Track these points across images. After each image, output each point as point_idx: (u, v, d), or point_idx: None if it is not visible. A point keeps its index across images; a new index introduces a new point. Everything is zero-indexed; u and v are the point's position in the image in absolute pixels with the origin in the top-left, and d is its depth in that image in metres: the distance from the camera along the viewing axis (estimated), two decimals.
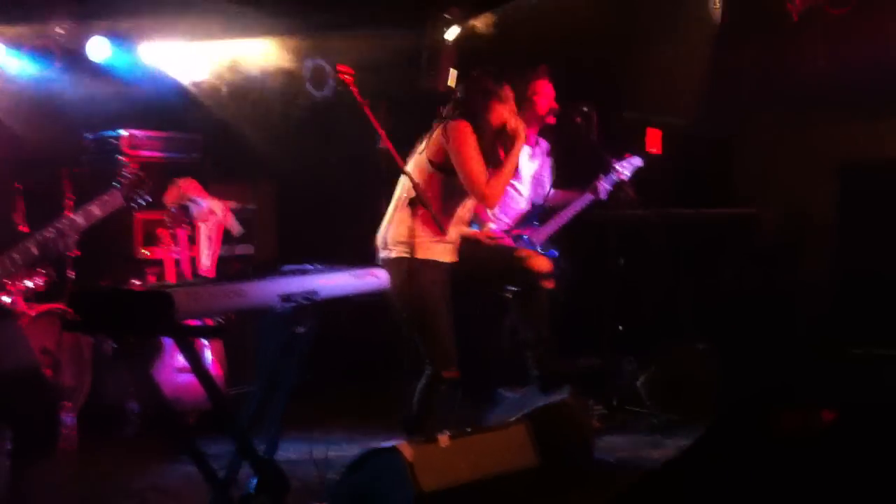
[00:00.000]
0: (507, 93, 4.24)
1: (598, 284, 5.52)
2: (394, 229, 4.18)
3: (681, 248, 5.74)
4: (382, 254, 4.21)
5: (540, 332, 4.68)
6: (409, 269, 4.06)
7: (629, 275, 5.59)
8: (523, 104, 5.08)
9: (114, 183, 3.40)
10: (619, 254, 5.55)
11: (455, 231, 4.27)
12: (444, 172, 4.13)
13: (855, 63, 5.42)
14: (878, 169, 5.60)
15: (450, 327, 4.16)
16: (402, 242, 4.10)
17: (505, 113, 4.21)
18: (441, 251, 4.18)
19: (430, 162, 4.16)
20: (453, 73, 6.03)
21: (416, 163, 4.22)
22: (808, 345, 5.31)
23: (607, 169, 5.16)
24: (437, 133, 4.17)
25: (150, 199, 3.59)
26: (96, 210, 3.28)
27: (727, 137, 5.95)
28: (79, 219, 3.23)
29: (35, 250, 3.13)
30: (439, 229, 3.97)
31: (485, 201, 4.16)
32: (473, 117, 4.13)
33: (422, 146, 4.24)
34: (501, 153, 4.18)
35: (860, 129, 5.60)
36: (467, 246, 4.46)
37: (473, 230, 4.88)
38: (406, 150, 4.30)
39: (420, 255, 4.10)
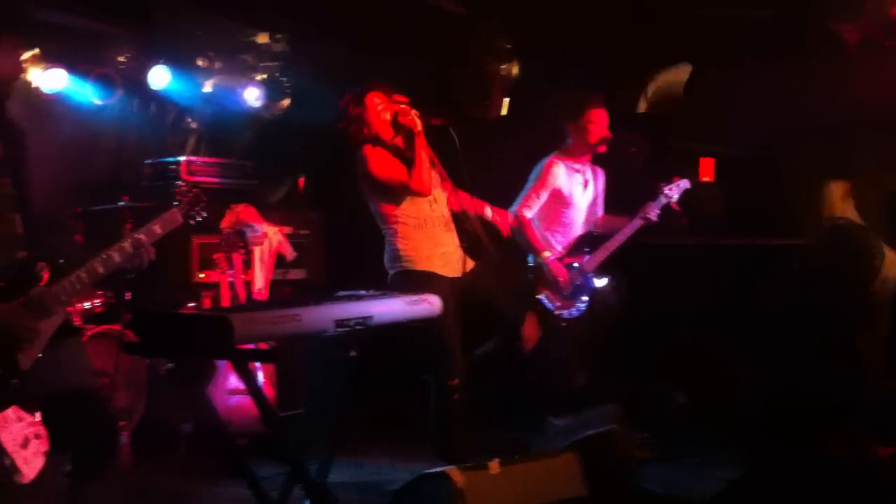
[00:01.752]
0: (369, 100, 4.41)
1: (642, 310, 5.50)
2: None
3: (724, 272, 5.72)
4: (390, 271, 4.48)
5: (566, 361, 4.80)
6: (414, 281, 4.29)
7: (671, 300, 5.56)
8: (577, 131, 5.14)
9: (173, 202, 3.49)
10: (663, 279, 5.53)
11: (445, 234, 4.45)
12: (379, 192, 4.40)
13: None
14: None
15: (457, 340, 4.33)
16: (402, 258, 4.39)
17: (378, 118, 4.40)
18: (439, 263, 4.39)
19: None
20: (506, 101, 6.06)
21: None
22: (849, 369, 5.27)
23: (655, 194, 5.16)
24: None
25: (207, 215, 3.66)
26: (157, 228, 3.36)
27: (775, 162, 5.95)
28: (141, 237, 3.31)
29: (101, 269, 3.18)
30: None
31: (419, 192, 4.35)
32: (370, 140, 4.38)
33: None
34: (421, 148, 4.32)
35: None
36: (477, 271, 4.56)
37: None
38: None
39: (419, 266, 4.37)
